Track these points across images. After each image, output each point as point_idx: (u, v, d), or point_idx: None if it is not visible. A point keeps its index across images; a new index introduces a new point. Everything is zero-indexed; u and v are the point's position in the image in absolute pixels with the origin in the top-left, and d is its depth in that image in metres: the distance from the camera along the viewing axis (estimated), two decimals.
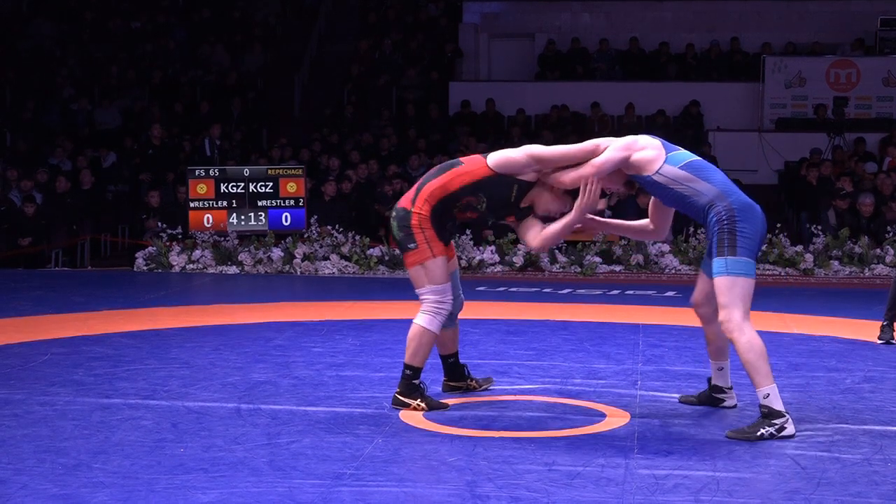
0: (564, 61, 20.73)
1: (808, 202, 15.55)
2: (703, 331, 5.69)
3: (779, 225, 13.54)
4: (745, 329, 5.13)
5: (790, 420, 5.08)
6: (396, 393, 5.68)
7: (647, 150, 5.33)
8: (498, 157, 5.55)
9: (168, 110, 18.84)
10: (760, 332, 8.26)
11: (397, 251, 13.23)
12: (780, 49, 20.23)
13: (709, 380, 5.79)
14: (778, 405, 5.07)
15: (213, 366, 6.84)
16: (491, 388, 6.14)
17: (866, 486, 4.32)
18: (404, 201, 5.66)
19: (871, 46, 20.14)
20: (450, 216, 5.70)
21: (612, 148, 5.41)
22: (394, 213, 5.68)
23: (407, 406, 5.59)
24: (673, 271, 12.88)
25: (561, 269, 12.85)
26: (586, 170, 5.40)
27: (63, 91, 19.66)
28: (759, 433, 5.03)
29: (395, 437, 5.10)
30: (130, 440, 4.99)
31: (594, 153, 5.46)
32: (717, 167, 5.50)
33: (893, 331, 7.75)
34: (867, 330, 7.92)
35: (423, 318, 5.63)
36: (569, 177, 5.45)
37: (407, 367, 5.64)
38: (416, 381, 5.65)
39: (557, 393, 6.07)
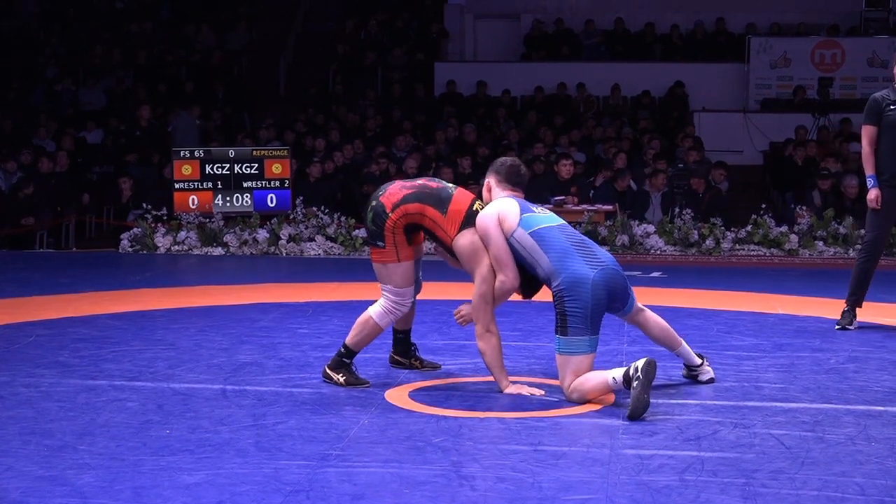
0: (550, 42, 20.71)
1: (793, 183, 15.58)
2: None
3: (763, 206, 13.58)
4: (572, 390, 5.39)
5: (635, 362, 5.11)
6: (326, 365, 5.84)
7: (508, 216, 5.55)
8: (466, 245, 5.59)
9: (153, 90, 18.77)
10: (745, 312, 8.35)
11: None
12: (766, 30, 20.24)
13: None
14: (621, 371, 5.17)
15: (199, 347, 6.84)
16: (468, 373, 6.16)
17: (850, 466, 4.35)
18: (387, 199, 5.64)
19: (857, 27, 20.16)
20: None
21: (490, 240, 5.55)
22: (373, 203, 5.68)
23: (331, 380, 5.75)
24: (658, 252, 12.91)
25: None
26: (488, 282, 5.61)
27: (47, 71, 19.55)
28: (633, 394, 5.05)
29: (380, 417, 5.11)
30: (116, 422, 4.98)
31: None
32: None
33: (854, 317, 7.75)
34: None
35: (377, 310, 5.73)
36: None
37: (345, 346, 5.78)
38: (347, 361, 5.78)
39: (543, 374, 6.08)
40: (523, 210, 5.57)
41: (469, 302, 5.69)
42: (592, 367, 5.40)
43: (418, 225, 5.66)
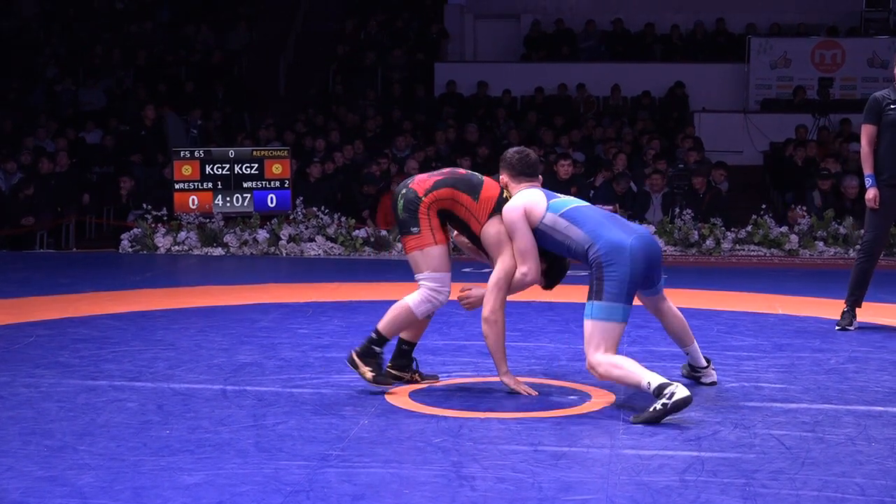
0: (550, 42, 20.71)
1: (793, 183, 15.58)
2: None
3: (763, 206, 13.58)
4: (600, 363, 5.23)
5: (677, 384, 5.00)
6: (355, 351, 5.65)
7: (535, 207, 5.51)
8: (493, 237, 5.58)
9: (153, 90, 18.77)
10: (745, 312, 8.34)
11: (383, 232, 13.27)
12: (766, 30, 20.23)
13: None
14: (659, 380, 5.04)
15: (199, 347, 6.84)
16: (468, 373, 6.14)
17: (850, 466, 4.34)
18: (418, 186, 5.60)
19: (857, 27, 20.16)
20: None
21: (515, 233, 5.53)
22: (403, 191, 5.63)
23: (357, 368, 5.59)
24: None
25: None
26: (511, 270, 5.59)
27: (47, 71, 19.55)
28: (652, 408, 4.98)
29: (380, 418, 5.10)
30: (116, 422, 4.98)
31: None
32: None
33: (854, 317, 7.74)
34: None
35: (414, 298, 5.61)
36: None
37: (377, 331, 5.63)
38: (378, 349, 5.63)
39: (543, 374, 6.08)
40: (549, 197, 5.54)
41: (480, 286, 5.68)
42: (621, 339, 5.32)
43: (449, 212, 5.62)
